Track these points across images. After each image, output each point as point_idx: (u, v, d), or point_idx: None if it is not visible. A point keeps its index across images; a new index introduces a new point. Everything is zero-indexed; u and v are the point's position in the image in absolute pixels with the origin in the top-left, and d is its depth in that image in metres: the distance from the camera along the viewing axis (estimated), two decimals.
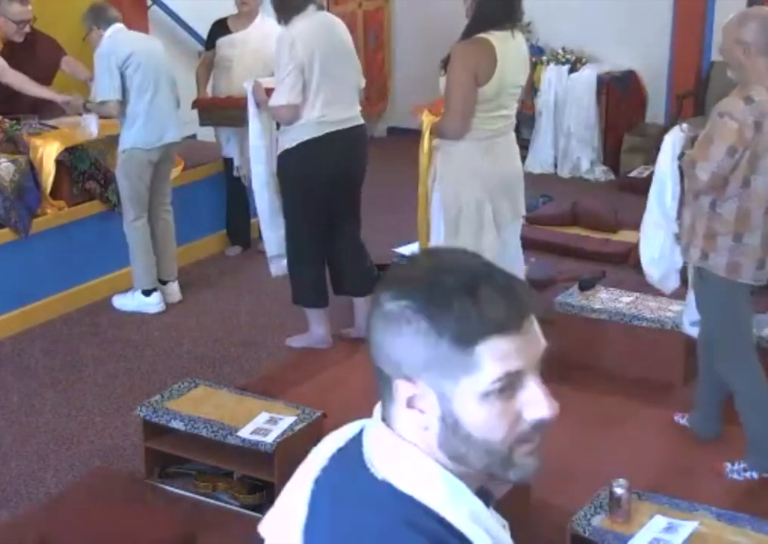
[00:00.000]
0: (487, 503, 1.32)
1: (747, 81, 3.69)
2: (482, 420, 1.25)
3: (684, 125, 4.09)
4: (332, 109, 4.78)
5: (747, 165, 3.67)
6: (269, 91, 4.92)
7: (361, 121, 4.98)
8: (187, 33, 7.35)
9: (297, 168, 4.83)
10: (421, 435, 1.29)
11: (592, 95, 8.14)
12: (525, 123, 8.14)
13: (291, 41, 4.66)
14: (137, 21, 6.97)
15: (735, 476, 3.99)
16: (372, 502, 1.27)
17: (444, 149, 4.40)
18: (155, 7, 7.19)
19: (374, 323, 1.28)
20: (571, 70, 8.25)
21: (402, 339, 1.25)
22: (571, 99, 8.21)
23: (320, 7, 4.90)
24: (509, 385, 1.24)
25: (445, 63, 4.33)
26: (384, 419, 1.33)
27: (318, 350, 5.13)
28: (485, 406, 1.24)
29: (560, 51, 8.37)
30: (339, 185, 4.93)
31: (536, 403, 1.26)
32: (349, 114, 4.88)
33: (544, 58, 8.36)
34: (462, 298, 1.23)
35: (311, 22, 4.73)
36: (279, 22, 4.87)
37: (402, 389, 1.26)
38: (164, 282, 5.73)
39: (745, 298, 3.89)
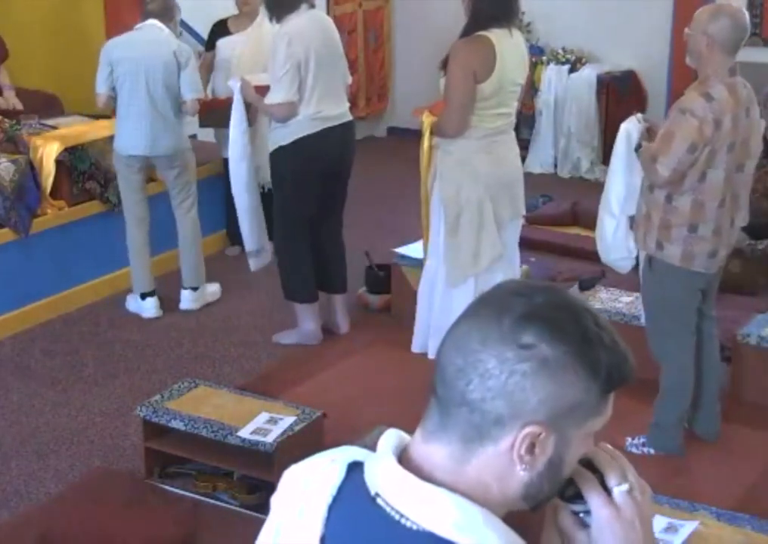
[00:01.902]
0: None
1: (706, 74, 3.77)
2: (576, 458, 1.26)
3: (640, 115, 4.16)
4: (326, 105, 4.83)
5: (705, 160, 3.75)
6: (258, 89, 4.94)
7: (351, 117, 5.05)
8: (187, 33, 7.33)
9: (292, 164, 4.87)
10: (497, 478, 1.23)
11: (592, 95, 8.14)
12: (525, 123, 8.15)
13: (288, 39, 4.70)
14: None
15: (634, 450, 4.15)
16: None
17: (444, 147, 4.40)
18: None
19: (507, 365, 1.20)
20: (571, 70, 8.26)
21: (555, 385, 1.20)
22: (571, 99, 8.22)
23: (312, 6, 4.93)
24: None
25: (444, 64, 4.34)
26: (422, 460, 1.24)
27: (318, 350, 5.13)
28: (583, 444, 1.26)
29: (560, 51, 8.37)
30: (330, 181, 4.99)
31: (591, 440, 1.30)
32: (341, 110, 4.95)
33: (544, 58, 8.36)
34: (612, 345, 1.23)
35: (304, 20, 4.78)
36: (270, 20, 4.91)
37: (531, 435, 1.20)
38: (185, 288, 5.71)
39: (695, 289, 3.98)
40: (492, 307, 1.24)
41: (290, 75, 4.71)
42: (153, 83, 5.33)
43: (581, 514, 1.28)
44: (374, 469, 1.25)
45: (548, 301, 1.23)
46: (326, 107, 4.84)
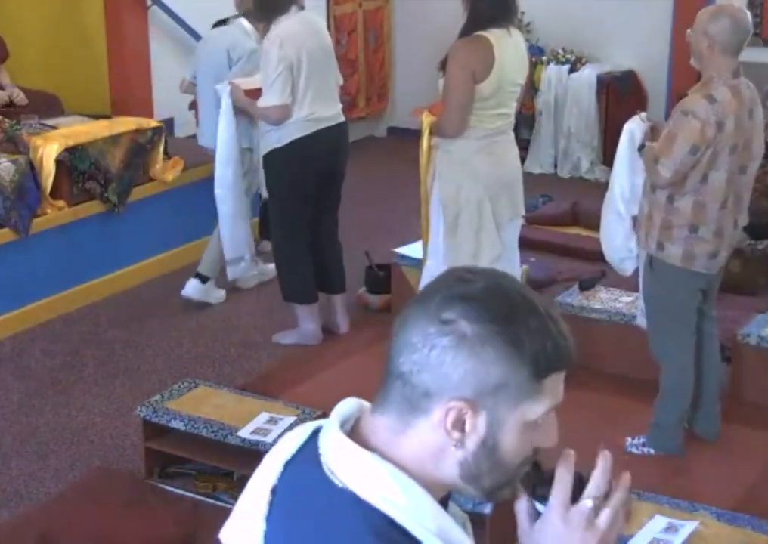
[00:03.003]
0: (445, 504, 1.33)
1: (709, 76, 3.77)
2: (518, 445, 1.28)
3: (643, 114, 4.15)
4: (319, 106, 4.85)
5: (707, 162, 3.75)
6: (249, 93, 4.96)
7: (344, 118, 5.06)
8: (187, 33, 7.34)
9: (286, 166, 4.88)
10: (431, 453, 1.28)
11: (592, 95, 8.13)
12: (525, 123, 8.15)
13: (279, 41, 4.71)
14: (137, 21, 6.99)
15: (634, 450, 4.16)
16: (334, 511, 1.26)
17: (444, 147, 4.40)
18: (155, 7, 7.19)
19: (429, 338, 1.26)
20: (571, 70, 8.25)
21: (475, 361, 1.24)
22: (571, 99, 8.21)
23: (301, 7, 4.94)
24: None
25: (443, 65, 4.34)
26: (368, 427, 1.32)
27: (318, 350, 5.14)
28: (525, 433, 1.28)
29: (560, 51, 8.36)
30: (325, 182, 5.00)
31: (550, 434, 1.32)
32: (334, 111, 4.97)
33: (544, 58, 8.36)
34: (542, 328, 1.26)
35: (295, 21, 4.79)
36: (261, 22, 4.94)
37: (456, 410, 1.25)
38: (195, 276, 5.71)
39: (696, 289, 3.98)
40: (433, 288, 1.31)
41: (283, 77, 4.72)
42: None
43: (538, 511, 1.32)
44: (323, 434, 1.34)
45: (485, 286, 1.28)
46: (319, 109, 4.85)
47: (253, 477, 1.39)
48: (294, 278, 5.12)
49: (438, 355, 1.24)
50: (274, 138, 4.87)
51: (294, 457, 1.34)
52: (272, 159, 4.93)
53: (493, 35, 4.22)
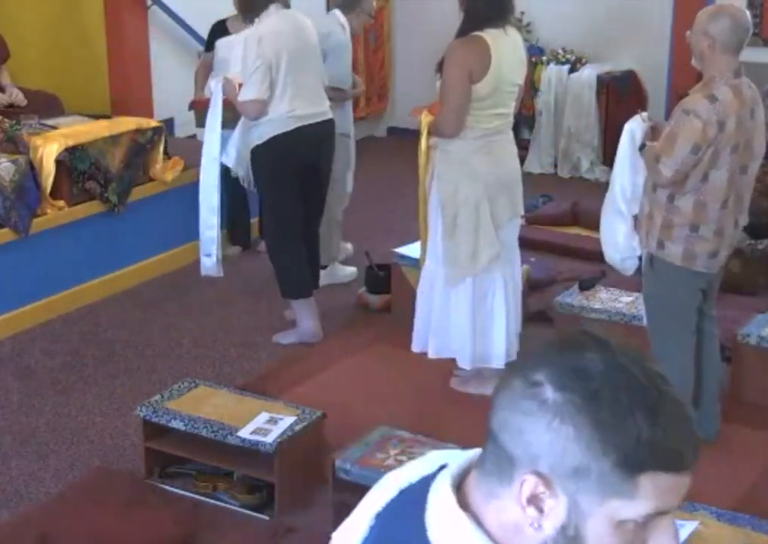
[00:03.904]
0: None
1: (710, 76, 3.77)
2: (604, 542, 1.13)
3: (644, 114, 4.15)
4: (300, 104, 4.94)
5: (708, 161, 3.75)
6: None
7: (330, 115, 5.14)
8: (187, 33, 7.34)
9: (269, 162, 4.97)
10: (512, 527, 1.16)
11: (592, 95, 8.14)
12: (525, 123, 8.15)
13: (258, 38, 4.82)
14: (137, 21, 6.99)
15: None
16: None
17: (442, 147, 4.40)
18: (155, 7, 7.18)
19: (515, 397, 1.13)
20: (571, 70, 8.25)
21: (554, 436, 1.10)
22: (571, 99, 8.21)
23: (285, 5, 5.03)
24: (651, 518, 1.13)
25: (440, 66, 4.35)
26: (470, 486, 1.21)
27: (319, 350, 5.14)
28: (618, 532, 1.12)
29: (560, 51, 8.37)
30: (309, 179, 5.08)
31: (665, 541, 1.15)
32: (318, 109, 5.05)
33: (544, 58, 8.36)
34: (640, 418, 1.09)
35: (276, 20, 4.89)
36: (245, 21, 5.03)
37: (530, 484, 1.12)
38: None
39: (696, 288, 3.98)
40: (546, 341, 1.19)
41: (260, 73, 4.81)
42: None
43: None
44: (438, 479, 1.23)
45: (594, 354, 1.13)
46: (299, 105, 4.93)
47: (369, 494, 1.31)
48: (290, 274, 5.16)
49: (520, 420, 1.12)
50: (255, 135, 4.97)
51: (411, 486, 1.25)
52: (255, 155, 5.02)
53: (490, 35, 4.23)
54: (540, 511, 1.12)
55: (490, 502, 1.17)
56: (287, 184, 5.00)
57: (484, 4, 4.25)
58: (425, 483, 1.24)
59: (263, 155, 4.97)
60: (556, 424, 1.10)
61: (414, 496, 1.23)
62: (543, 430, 1.10)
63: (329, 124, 5.13)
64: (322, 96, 5.12)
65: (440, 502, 1.20)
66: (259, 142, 4.95)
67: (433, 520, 1.19)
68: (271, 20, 4.87)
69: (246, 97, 4.87)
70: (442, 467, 1.25)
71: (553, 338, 1.19)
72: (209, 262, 5.21)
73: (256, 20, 4.89)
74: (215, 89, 5.12)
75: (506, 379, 1.16)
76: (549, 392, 1.11)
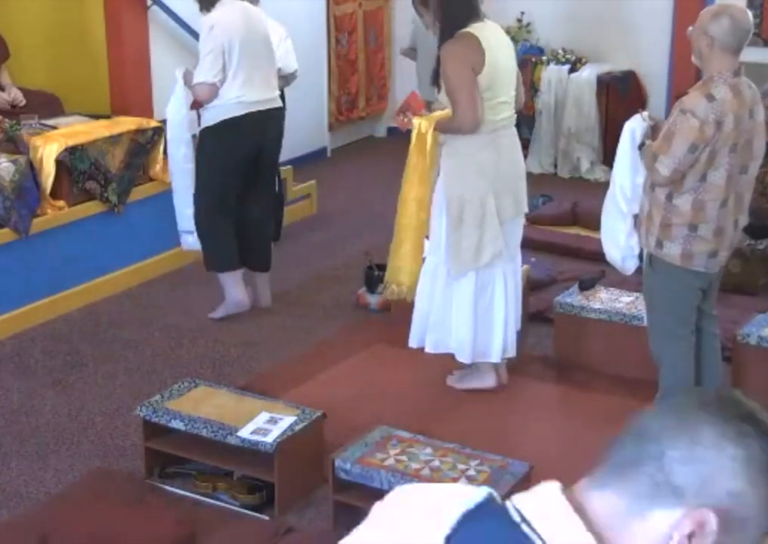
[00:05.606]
0: None
1: (709, 75, 3.77)
2: None
3: (645, 113, 4.15)
4: (249, 90, 5.22)
5: (706, 160, 3.74)
6: None
7: (279, 103, 5.44)
8: (187, 33, 7.34)
9: (216, 144, 5.25)
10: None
11: (592, 95, 8.14)
12: (525, 123, 8.14)
13: (211, 25, 5.13)
14: (137, 21, 6.98)
15: None
16: None
17: (449, 144, 4.42)
18: (155, 7, 7.18)
19: (721, 442, 1.15)
20: (571, 70, 8.26)
21: (746, 483, 1.14)
22: (571, 99, 8.22)
23: None
24: None
25: (436, 77, 4.37)
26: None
27: (318, 350, 5.14)
28: None
29: (560, 51, 8.37)
30: (254, 162, 5.34)
31: None
32: (267, 96, 5.32)
33: (544, 58, 8.37)
34: None
35: (229, 10, 5.18)
36: (201, 10, 5.28)
37: (695, 520, 1.14)
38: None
39: (695, 288, 3.97)
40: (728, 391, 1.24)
41: (210, 58, 5.08)
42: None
43: None
44: (528, 500, 1.22)
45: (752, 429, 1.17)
46: (248, 92, 5.18)
47: (407, 525, 1.23)
48: (215, 248, 5.41)
49: (713, 458, 1.15)
50: (209, 116, 5.24)
51: (471, 511, 1.20)
52: (204, 135, 5.27)
53: (474, 28, 4.32)
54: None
55: (625, 522, 1.17)
56: (229, 166, 5.25)
57: (456, 8, 4.31)
58: (492, 505, 1.21)
59: (210, 137, 5.24)
60: (756, 477, 1.13)
61: (487, 516, 1.20)
62: (745, 483, 1.13)
63: (275, 112, 5.38)
64: (273, 85, 5.38)
65: (558, 514, 1.19)
66: (210, 124, 5.20)
67: (548, 531, 1.17)
68: (224, 9, 5.15)
69: (197, 79, 5.14)
70: (491, 495, 1.22)
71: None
72: (191, 238, 5.46)
73: (212, 9, 5.17)
74: (177, 76, 5.35)
75: (671, 403, 1.22)
76: (751, 441, 1.15)
